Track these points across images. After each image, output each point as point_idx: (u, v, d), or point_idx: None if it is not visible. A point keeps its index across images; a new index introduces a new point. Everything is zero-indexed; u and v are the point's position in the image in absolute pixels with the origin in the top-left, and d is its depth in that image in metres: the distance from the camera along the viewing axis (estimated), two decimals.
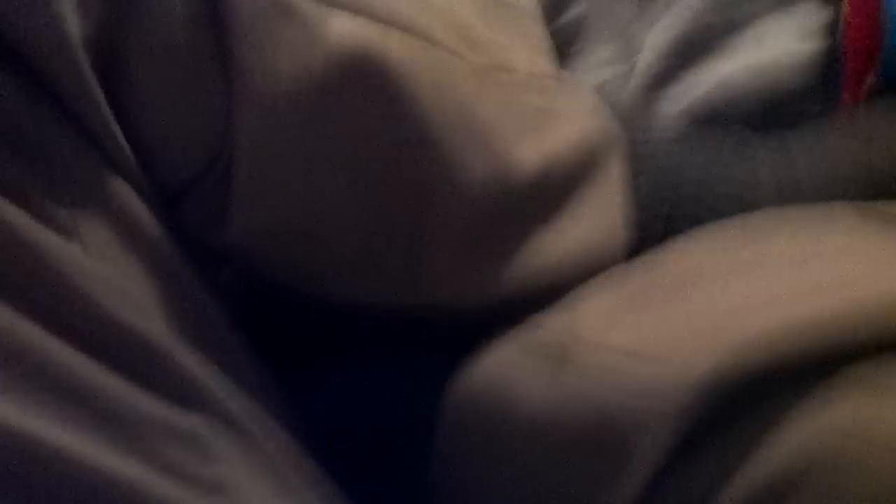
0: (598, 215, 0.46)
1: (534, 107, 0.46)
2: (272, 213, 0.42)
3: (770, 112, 0.50)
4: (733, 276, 0.41)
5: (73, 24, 0.38)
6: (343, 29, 0.41)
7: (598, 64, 0.54)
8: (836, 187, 0.48)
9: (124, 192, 0.40)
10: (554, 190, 0.46)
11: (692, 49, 0.52)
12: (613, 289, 0.43)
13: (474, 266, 0.44)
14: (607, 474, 0.37)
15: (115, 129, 0.40)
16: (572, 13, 0.56)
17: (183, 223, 0.42)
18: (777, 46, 0.51)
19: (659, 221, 0.47)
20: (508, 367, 0.42)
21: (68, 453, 0.36)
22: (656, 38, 0.53)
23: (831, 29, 0.51)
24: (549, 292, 0.45)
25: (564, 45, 0.55)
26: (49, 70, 0.38)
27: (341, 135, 0.42)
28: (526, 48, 0.50)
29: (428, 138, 0.42)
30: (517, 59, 0.48)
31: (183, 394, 0.39)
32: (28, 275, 0.37)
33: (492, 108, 0.45)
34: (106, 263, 0.39)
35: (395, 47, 0.42)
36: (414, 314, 0.46)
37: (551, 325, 0.43)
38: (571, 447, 0.39)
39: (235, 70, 0.40)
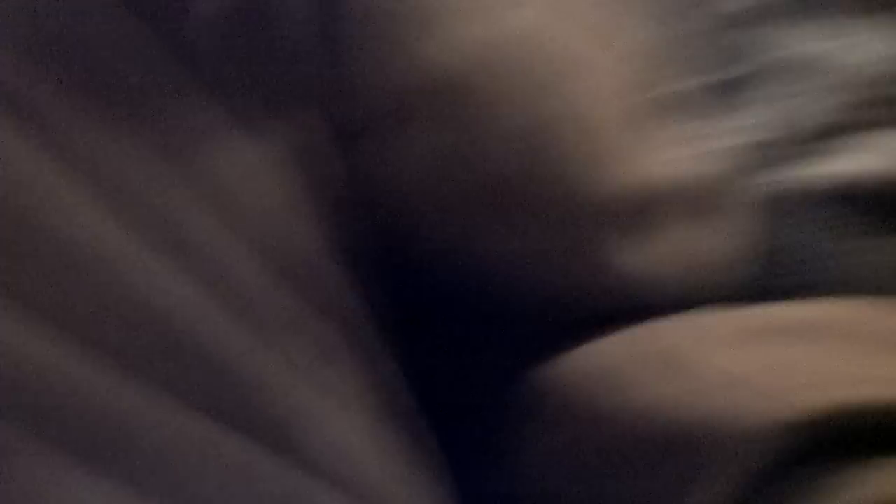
0: (717, 237, 0.49)
1: (658, 134, 0.50)
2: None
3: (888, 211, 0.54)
4: (842, 341, 0.45)
5: None
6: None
7: (738, 127, 0.58)
8: None
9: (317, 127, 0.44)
10: (682, 202, 0.48)
11: (824, 135, 0.56)
12: (734, 321, 0.46)
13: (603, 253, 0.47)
14: (686, 484, 0.42)
15: (326, 64, 0.44)
16: (735, 71, 0.59)
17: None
18: None
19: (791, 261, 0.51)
20: (625, 362, 0.45)
21: None
22: (792, 116, 0.57)
23: None
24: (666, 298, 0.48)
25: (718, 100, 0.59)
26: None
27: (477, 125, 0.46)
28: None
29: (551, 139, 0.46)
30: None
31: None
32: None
33: (619, 124, 0.48)
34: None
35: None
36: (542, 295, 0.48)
37: (671, 334, 0.46)
38: (666, 450, 0.42)
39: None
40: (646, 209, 0.48)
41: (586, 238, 0.47)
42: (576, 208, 0.47)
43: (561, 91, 0.47)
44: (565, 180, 0.46)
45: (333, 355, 0.42)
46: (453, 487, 0.46)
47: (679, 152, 0.50)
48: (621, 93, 0.50)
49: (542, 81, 0.46)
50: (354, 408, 0.42)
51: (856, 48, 0.58)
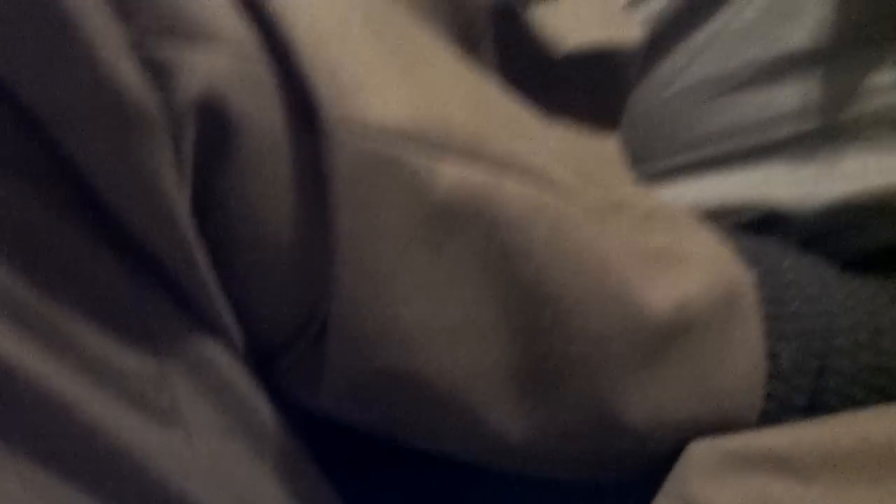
0: (734, 366, 0.43)
1: (658, 248, 0.43)
2: (368, 369, 0.39)
3: None
4: None
5: (178, 195, 0.34)
6: (453, 179, 0.38)
7: None
8: None
9: (225, 362, 0.37)
10: (688, 335, 0.42)
11: None
12: None
13: (596, 406, 0.41)
14: None
15: (215, 292, 0.36)
16: None
17: (274, 386, 0.39)
18: None
19: (807, 378, 0.44)
20: None
21: None
22: None
23: None
24: (675, 440, 0.43)
25: None
26: (152, 240, 0.35)
27: (447, 287, 0.38)
28: (631, 184, 0.48)
29: (544, 288, 0.39)
30: (632, 196, 0.45)
31: None
32: (124, 478, 0.34)
33: (614, 251, 0.41)
34: (209, 446, 0.36)
35: (508, 193, 0.39)
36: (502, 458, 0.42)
37: None
38: None
39: (336, 233, 0.37)
40: (654, 344, 0.42)
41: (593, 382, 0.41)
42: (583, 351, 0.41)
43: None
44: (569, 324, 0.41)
45: None
46: None
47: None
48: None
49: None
50: None
51: None
